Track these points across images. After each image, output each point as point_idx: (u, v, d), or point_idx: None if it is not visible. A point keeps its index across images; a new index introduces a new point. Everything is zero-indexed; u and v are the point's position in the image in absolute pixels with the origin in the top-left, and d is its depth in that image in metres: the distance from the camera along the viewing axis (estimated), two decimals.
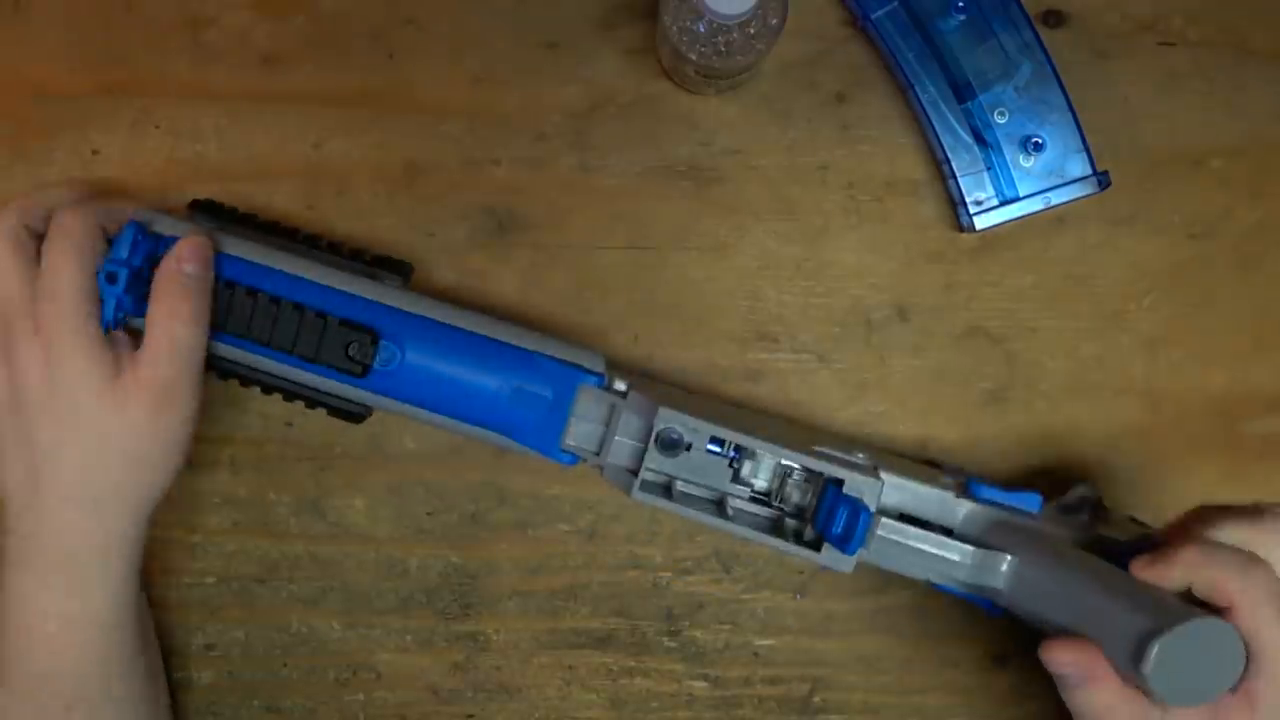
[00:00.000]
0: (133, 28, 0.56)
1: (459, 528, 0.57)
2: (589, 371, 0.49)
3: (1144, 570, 0.42)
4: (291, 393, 0.50)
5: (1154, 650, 0.38)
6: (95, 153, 0.56)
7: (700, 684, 0.57)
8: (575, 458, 0.49)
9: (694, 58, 0.50)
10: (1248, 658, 0.39)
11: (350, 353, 0.48)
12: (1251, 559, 0.41)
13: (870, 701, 0.57)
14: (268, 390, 0.50)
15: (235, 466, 0.56)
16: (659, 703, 0.57)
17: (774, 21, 0.49)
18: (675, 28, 0.49)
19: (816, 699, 0.57)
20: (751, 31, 0.49)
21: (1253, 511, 0.43)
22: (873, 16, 0.54)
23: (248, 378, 0.50)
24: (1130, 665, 0.39)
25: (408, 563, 0.57)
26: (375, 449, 0.56)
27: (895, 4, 0.54)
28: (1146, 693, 0.39)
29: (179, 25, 0.56)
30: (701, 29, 0.49)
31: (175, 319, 0.46)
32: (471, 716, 0.58)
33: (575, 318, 0.57)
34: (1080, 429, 0.57)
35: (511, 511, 0.57)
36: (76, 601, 0.47)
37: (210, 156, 0.56)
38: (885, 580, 0.57)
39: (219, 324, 0.48)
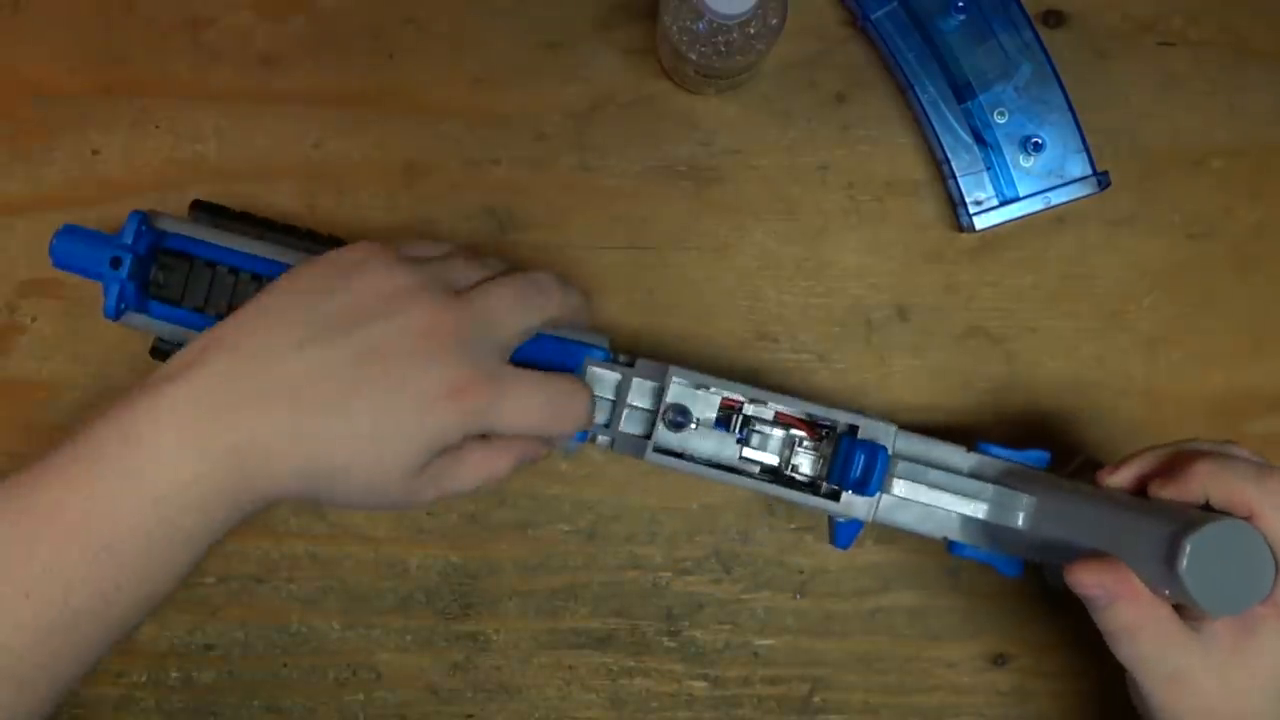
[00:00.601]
0: (133, 28, 0.56)
1: (459, 528, 0.57)
2: (594, 347, 0.51)
3: (1162, 488, 0.42)
4: None
5: (1187, 548, 0.38)
6: (95, 153, 0.56)
7: (700, 684, 0.57)
8: (584, 435, 0.50)
9: (694, 58, 0.50)
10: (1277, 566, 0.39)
11: None
12: (1266, 468, 0.41)
13: (870, 701, 0.57)
14: None
15: None
16: (659, 703, 0.57)
17: (774, 21, 0.49)
18: (675, 28, 0.49)
19: (816, 699, 0.57)
20: (751, 31, 0.49)
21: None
22: (873, 16, 0.54)
23: None
24: (1163, 571, 0.39)
25: (408, 563, 0.57)
26: None
27: (895, 4, 0.54)
28: (1181, 596, 0.39)
29: (179, 25, 0.56)
30: (701, 29, 0.49)
31: (506, 458, 0.46)
32: (471, 716, 0.58)
33: None
34: (1080, 429, 0.57)
35: (511, 511, 0.57)
36: (212, 521, 0.40)
37: (210, 156, 0.56)
38: (885, 580, 0.57)
39: (222, 309, 0.49)
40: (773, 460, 0.49)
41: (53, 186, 0.56)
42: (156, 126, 0.56)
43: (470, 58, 0.57)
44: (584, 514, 0.57)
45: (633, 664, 0.57)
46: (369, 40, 0.56)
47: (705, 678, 0.57)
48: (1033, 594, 0.56)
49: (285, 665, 0.57)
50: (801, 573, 0.57)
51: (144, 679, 0.57)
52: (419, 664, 0.57)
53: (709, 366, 0.57)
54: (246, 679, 0.57)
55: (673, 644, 0.57)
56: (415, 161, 0.57)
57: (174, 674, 0.57)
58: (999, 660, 0.57)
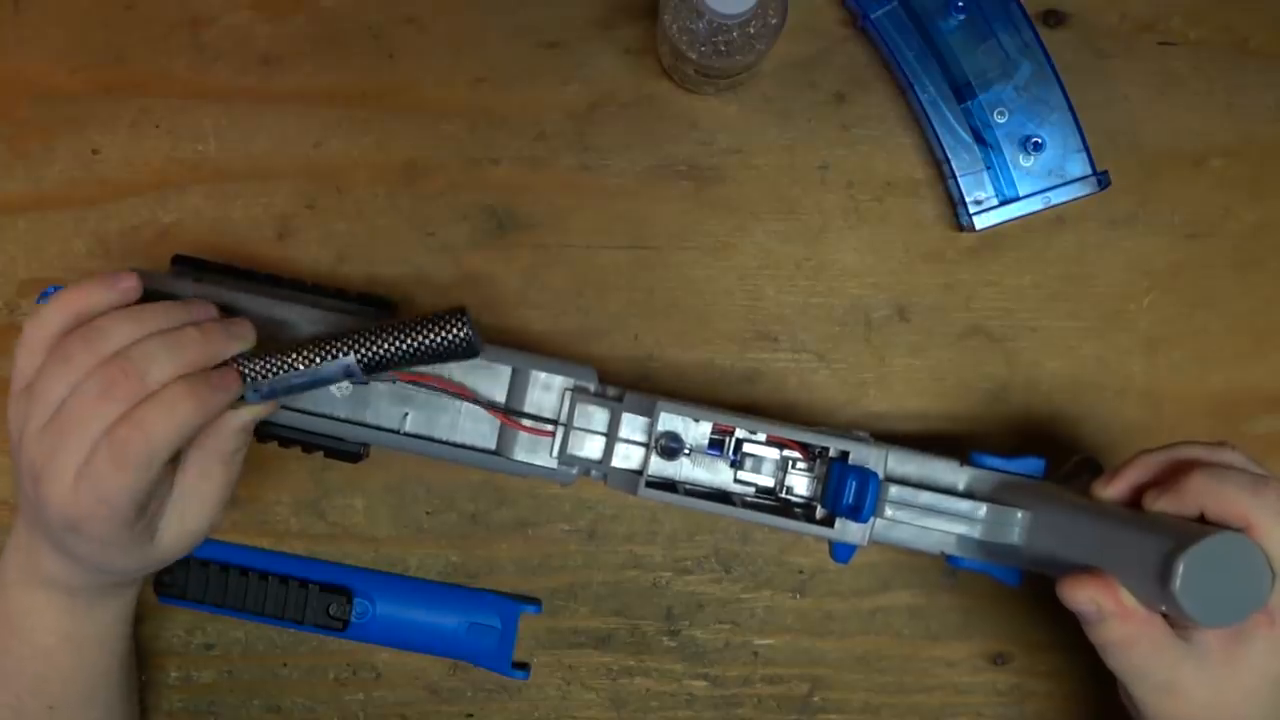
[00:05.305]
0: (133, 28, 0.56)
1: (459, 528, 0.57)
2: (529, 601, 0.56)
3: (1157, 501, 0.42)
4: (289, 440, 0.51)
5: (1180, 567, 0.38)
6: (95, 153, 0.56)
7: (700, 684, 0.57)
8: (527, 674, 0.57)
9: (694, 57, 0.50)
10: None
11: (331, 611, 0.56)
12: (1261, 478, 0.41)
13: (870, 701, 0.57)
14: (266, 440, 0.51)
15: None
16: (659, 702, 0.58)
17: (774, 21, 0.49)
18: (675, 27, 0.49)
19: (816, 699, 0.57)
20: (751, 31, 0.49)
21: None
22: (872, 16, 0.54)
23: (262, 434, 0.50)
24: (1157, 588, 0.39)
25: (408, 562, 0.57)
26: (375, 449, 0.56)
27: (895, 4, 0.54)
28: (1175, 611, 0.39)
29: (179, 25, 0.56)
30: (701, 28, 0.49)
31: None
32: (471, 716, 0.58)
33: (575, 318, 0.57)
34: (1080, 429, 0.57)
35: (511, 511, 0.57)
36: (76, 623, 0.49)
37: (210, 156, 0.56)
38: (885, 580, 0.57)
39: (219, 601, 0.55)
40: (768, 482, 0.49)
41: (53, 186, 0.56)
42: (156, 126, 0.56)
43: (470, 57, 0.57)
44: (584, 513, 0.57)
45: (633, 664, 0.57)
46: (369, 40, 0.56)
47: (705, 677, 0.57)
48: (1032, 594, 0.56)
49: (285, 665, 0.57)
50: (801, 572, 0.57)
51: (144, 679, 0.57)
52: (419, 664, 0.57)
53: (708, 367, 0.57)
54: (246, 679, 0.57)
55: (673, 644, 0.57)
56: (415, 161, 0.57)
57: (174, 674, 0.57)
58: (998, 660, 0.57)
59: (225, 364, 0.45)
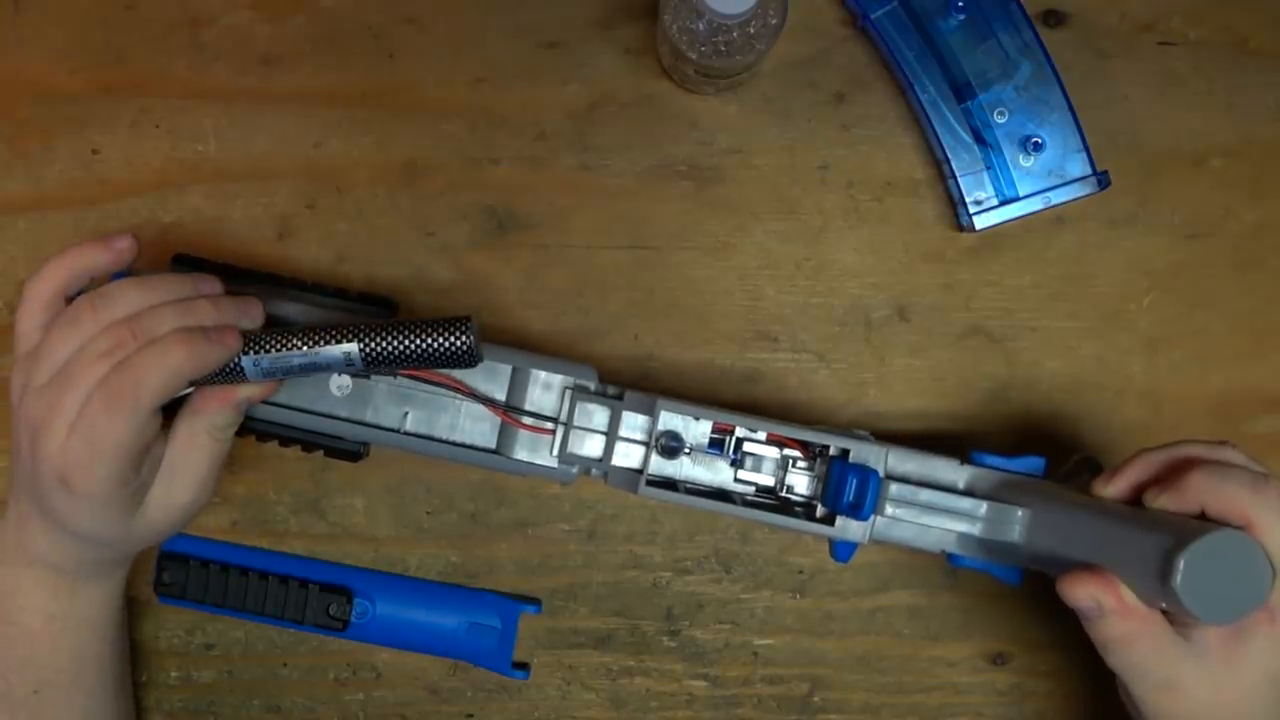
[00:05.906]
0: (133, 28, 0.56)
1: (459, 527, 0.57)
2: (529, 601, 0.56)
3: (1157, 499, 0.42)
4: (289, 439, 0.51)
5: (1181, 564, 0.38)
6: (95, 153, 0.56)
7: (700, 684, 0.57)
8: (527, 674, 0.57)
9: (694, 57, 0.50)
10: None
11: (331, 611, 0.55)
12: (1261, 476, 0.41)
13: (870, 701, 0.57)
14: (266, 439, 0.51)
15: (234, 466, 0.56)
16: (659, 702, 0.58)
17: (774, 21, 0.49)
18: (675, 27, 0.49)
19: (816, 699, 0.57)
20: (751, 31, 0.49)
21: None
22: (872, 16, 0.54)
23: (262, 432, 0.51)
24: (1158, 585, 0.39)
25: (408, 562, 0.57)
26: (375, 448, 0.56)
27: (895, 4, 0.54)
28: (1175, 608, 0.39)
29: (179, 25, 0.56)
30: (701, 28, 0.49)
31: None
32: (471, 716, 0.58)
33: (575, 318, 0.57)
34: (1080, 429, 0.57)
35: (511, 511, 0.57)
36: (62, 604, 0.49)
37: (210, 156, 0.56)
38: (885, 580, 0.57)
39: (219, 601, 0.55)
40: (768, 481, 0.49)
41: (53, 186, 0.56)
42: (156, 126, 0.56)
43: (470, 58, 0.57)
44: (584, 513, 0.57)
45: (633, 664, 0.57)
46: (369, 40, 0.56)
47: (705, 678, 0.57)
48: (1031, 593, 0.56)
49: (285, 665, 0.57)
50: (801, 572, 0.57)
51: (144, 679, 0.57)
52: (419, 664, 0.57)
53: (708, 367, 0.57)
54: (246, 679, 0.57)
55: (673, 644, 0.57)
56: (415, 161, 0.57)
57: (174, 674, 0.57)
58: (998, 659, 0.57)
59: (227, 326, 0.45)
